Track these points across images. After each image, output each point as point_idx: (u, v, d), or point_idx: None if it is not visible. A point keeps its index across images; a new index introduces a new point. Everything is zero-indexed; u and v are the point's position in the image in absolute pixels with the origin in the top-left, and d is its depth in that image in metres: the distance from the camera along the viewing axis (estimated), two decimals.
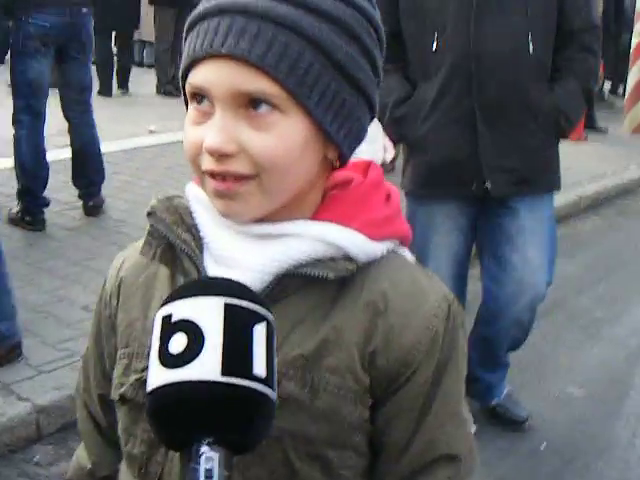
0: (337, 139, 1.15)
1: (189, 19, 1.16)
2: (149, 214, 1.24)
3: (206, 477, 0.92)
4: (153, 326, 1.02)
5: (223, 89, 1.08)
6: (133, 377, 1.23)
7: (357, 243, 1.16)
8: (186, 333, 0.97)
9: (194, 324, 0.97)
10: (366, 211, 1.20)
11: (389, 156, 4.30)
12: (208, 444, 0.94)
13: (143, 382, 1.12)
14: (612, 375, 4.61)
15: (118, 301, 1.30)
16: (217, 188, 1.12)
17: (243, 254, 1.16)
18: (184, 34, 1.17)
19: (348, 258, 1.16)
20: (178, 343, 0.97)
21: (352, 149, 1.19)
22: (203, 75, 1.10)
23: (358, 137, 1.19)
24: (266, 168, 1.10)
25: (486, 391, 3.81)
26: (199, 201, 1.23)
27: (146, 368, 1.14)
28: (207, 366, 0.95)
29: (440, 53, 3.26)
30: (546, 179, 3.51)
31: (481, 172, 3.32)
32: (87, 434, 1.45)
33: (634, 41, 11.98)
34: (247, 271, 1.14)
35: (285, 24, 1.08)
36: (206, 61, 1.10)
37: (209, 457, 0.93)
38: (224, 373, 0.95)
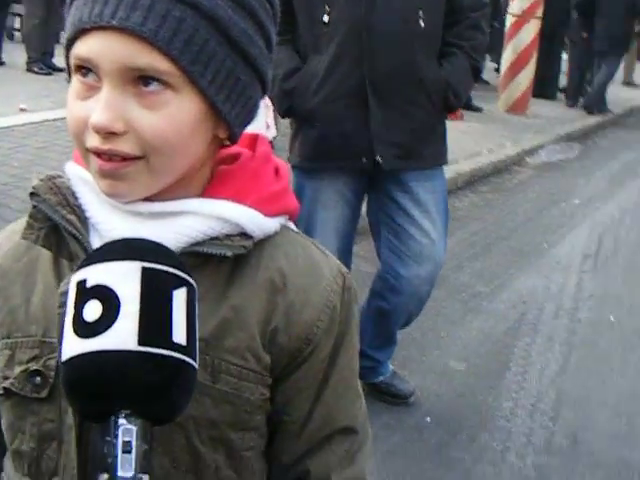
0: (229, 118, 1.09)
1: None
2: (32, 194, 1.14)
3: (124, 451, 0.89)
4: (38, 310, 0.99)
5: (112, 63, 1.01)
6: (18, 369, 1.14)
7: (253, 220, 1.12)
8: (101, 300, 0.92)
9: (110, 290, 0.92)
10: (258, 187, 1.16)
11: (271, 134, 4.25)
12: (126, 416, 0.90)
13: (29, 374, 1.08)
14: (493, 348, 4.69)
15: None
16: (102, 168, 1.05)
17: (134, 234, 1.06)
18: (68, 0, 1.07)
19: (244, 235, 1.11)
20: (93, 310, 0.92)
21: (243, 128, 1.14)
22: (90, 47, 1.02)
23: (250, 116, 1.14)
24: (155, 149, 1.04)
25: (372, 369, 3.80)
26: (82, 180, 1.14)
27: (32, 359, 1.11)
28: (123, 335, 0.90)
29: (331, 26, 3.23)
30: (435, 153, 3.55)
31: (372, 146, 3.31)
32: None
33: (508, 21, 12.25)
34: None
35: None
36: (94, 32, 1.02)
37: (127, 429, 0.90)
38: (141, 342, 0.91)
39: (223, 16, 1.04)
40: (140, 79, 1.02)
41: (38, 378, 1.12)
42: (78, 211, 1.13)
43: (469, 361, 4.48)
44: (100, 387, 0.91)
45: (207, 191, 1.13)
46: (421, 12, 3.24)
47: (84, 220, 1.13)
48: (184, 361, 0.93)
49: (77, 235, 1.11)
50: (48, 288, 1.14)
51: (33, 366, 1.12)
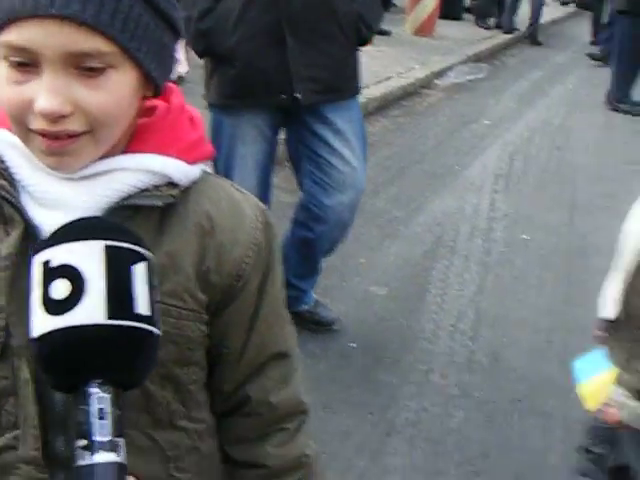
0: (158, 79, 1.16)
1: None
2: None
3: (99, 417, 0.95)
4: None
5: (54, 50, 1.04)
6: None
7: (179, 169, 1.19)
8: (68, 279, 0.98)
9: (75, 269, 0.99)
10: (178, 137, 1.21)
11: (183, 69, 4.16)
12: (98, 385, 0.97)
13: None
14: (411, 272, 4.76)
15: None
16: (51, 146, 1.09)
17: (70, 194, 1.13)
18: None
19: (171, 184, 1.18)
20: (60, 289, 0.98)
21: (165, 81, 1.20)
22: (27, 36, 1.04)
23: (170, 70, 1.20)
24: (101, 123, 1.09)
25: (296, 298, 3.83)
26: (9, 144, 1.16)
27: None
28: (92, 310, 0.98)
29: None
30: (351, 85, 3.61)
31: (291, 82, 3.33)
32: None
33: None
34: (75, 210, 1.12)
35: None
36: (29, 20, 1.03)
37: (101, 397, 0.97)
38: (109, 316, 0.98)
39: None
40: (81, 61, 1.05)
41: None
42: (6, 174, 1.15)
43: (389, 285, 4.54)
44: (73, 361, 0.98)
45: (131, 146, 1.19)
46: None
47: (13, 183, 1.15)
48: (150, 330, 1.01)
49: (9, 198, 1.14)
50: None
51: None
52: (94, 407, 0.96)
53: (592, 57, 12.01)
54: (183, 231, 1.20)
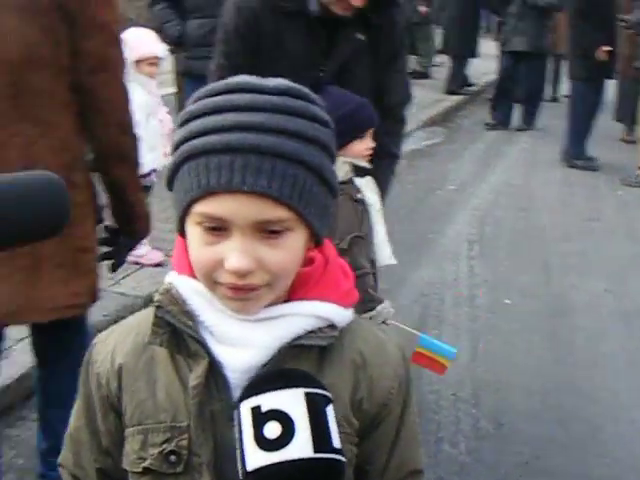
0: (322, 237, 1.37)
1: (182, 152, 1.28)
2: (157, 307, 1.38)
3: None
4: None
5: (245, 219, 1.25)
6: (155, 450, 1.38)
7: (339, 314, 1.41)
8: (278, 421, 1.23)
9: (284, 413, 1.23)
10: (337, 286, 1.44)
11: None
12: None
13: (166, 454, 1.35)
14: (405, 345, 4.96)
15: (120, 385, 1.43)
16: (236, 295, 1.30)
17: (249, 334, 1.35)
18: (171, 167, 1.31)
19: (331, 326, 1.39)
20: (273, 429, 1.22)
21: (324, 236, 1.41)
22: (223, 207, 1.25)
23: (330, 226, 1.41)
24: (278, 277, 1.31)
25: None
26: (194, 290, 1.38)
27: (165, 441, 1.36)
28: (302, 446, 1.22)
29: None
30: None
31: None
32: None
33: None
34: (252, 348, 1.34)
35: (293, 159, 1.25)
36: (223, 194, 1.24)
37: None
38: (315, 450, 1.22)
39: (321, 165, 1.30)
40: (265, 226, 1.26)
41: (173, 457, 1.37)
42: (192, 316, 1.37)
43: None
44: None
45: (295, 293, 1.40)
46: None
47: (197, 323, 1.37)
48: (343, 460, 1.26)
49: (196, 337, 1.36)
50: (170, 381, 1.39)
51: (168, 447, 1.37)
52: None
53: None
54: (340, 365, 1.40)
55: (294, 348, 1.36)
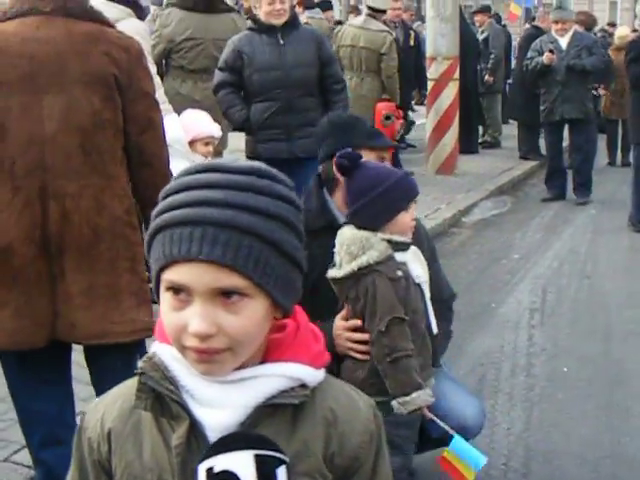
0: (286, 307, 1.50)
1: (153, 226, 1.44)
2: (141, 374, 1.52)
3: None
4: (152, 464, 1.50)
5: (203, 286, 1.40)
6: None
7: (310, 375, 1.55)
8: None
9: (233, 474, 1.38)
10: (308, 349, 1.57)
11: None
12: None
13: None
14: None
15: (110, 448, 1.57)
16: (200, 359, 1.44)
17: (223, 395, 1.48)
18: (147, 238, 1.45)
19: (303, 386, 1.52)
20: None
21: (292, 306, 1.54)
22: (183, 275, 1.40)
23: (297, 298, 1.54)
24: (239, 342, 1.44)
25: None
26: (173, 357, 1.52)
27: None
28: None
29: None
30: None
31: None
32: None
33: (429, 85, 12.77)
34: (228, 408, 1.48)
35: (248, 232, 1.39)
36: (183, 263, 1.39)
37: None
38: None
39: (279, 239, 1.43)
40: (223, 293, 1.41)
41: None
42: (173, 381, 1.51)
43: None
44: None
45: (269, 356, 1.53)
46: None
47: (178, 387, 1.50)
48: None
49: (179, 400, 1.49)
50: (155, 443, 1.53)
51: None
52: None
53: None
54: (312, 422, 1.53)
55: (268, 407, 1.48)
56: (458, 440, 3.25)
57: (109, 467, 1.57)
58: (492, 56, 14.70)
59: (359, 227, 3.21)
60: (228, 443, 1.40)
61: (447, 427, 3.29)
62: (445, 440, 3.53)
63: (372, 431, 1.59)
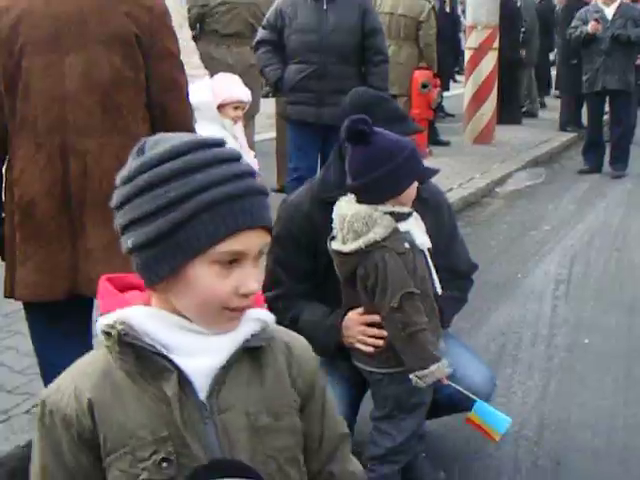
0: None
1: (196, 206, 1.55)
2: (124, 335, 1.58)
3: None
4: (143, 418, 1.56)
5: (256, 249, 1.60)
6: (148, 463, 1.58)
7: (269, 316, 1.75)
8: None
9: None
10: (259, 296, 1.71)
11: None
12: None
13: (158, 464, 1.56)
14: None
15: (93, 418, 1.59)
16: (236, 316, 1.63)
17: (206, 343, 1.62)
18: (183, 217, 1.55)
19: (264, 328, 1.69)
20: None
21: None
22: (244, 242, 1.56)
23: None
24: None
25: None
26: (150, 315, 1.62)
27: (153, 453, 1.57)
28: None
29: None
30: None
31: None
32: None
33: (467, 55, 12.71)
34: (210, 354, 1.62)
35: (265, 193, 1.63)
36: (245, 231, 1.55)
37: None
38: None
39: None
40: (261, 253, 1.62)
41: (165, 464, 1.57)
42: (156, 339, 1.61)
43: None
44: None
45: None
46: None
47: (159, 342, 1.61)
48: None
49: (164, 353, 1.59)
50: (140, 401, 1.59)
51: (158, 457, 1.57)
52: None
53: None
54: (277, 355, 1.74)
55: (245, 350, 1.65)
56: (480, 405, 3.30)
57: (92, 439, 1.58)
58: (522, 29, 14.47)
59: (359, 201, 3.16)
60: (212, 470, 1.54)
61: (468, 393, 3.32)
62: (455, 407, 3.59)
63: (317, 359, 1.84)
